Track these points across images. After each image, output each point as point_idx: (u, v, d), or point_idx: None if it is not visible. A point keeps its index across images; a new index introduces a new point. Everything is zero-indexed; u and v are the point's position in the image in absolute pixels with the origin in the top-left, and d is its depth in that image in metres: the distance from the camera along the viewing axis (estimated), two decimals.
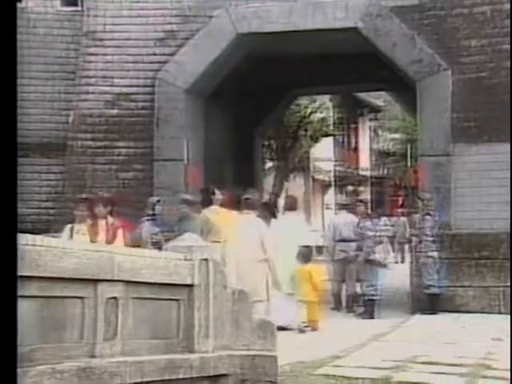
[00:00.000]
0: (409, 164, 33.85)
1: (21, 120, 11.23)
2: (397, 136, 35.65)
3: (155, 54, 11.95)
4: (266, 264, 7.49)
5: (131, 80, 11.97)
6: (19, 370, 3.54)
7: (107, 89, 12.01)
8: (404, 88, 12.97)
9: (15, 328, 2.73)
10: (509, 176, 10.25)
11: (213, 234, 8.11)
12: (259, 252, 7.53)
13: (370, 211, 11.72)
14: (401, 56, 11.37)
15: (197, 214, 8.83)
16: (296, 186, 28.61)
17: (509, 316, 8.82)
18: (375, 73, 13.58)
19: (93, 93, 12.06)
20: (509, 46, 10.64)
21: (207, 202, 8.94)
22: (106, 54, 12.05)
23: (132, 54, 11.97)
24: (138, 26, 11.98)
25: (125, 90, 11.97)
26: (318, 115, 25.20)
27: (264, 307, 7.33)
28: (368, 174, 37.79)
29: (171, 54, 11.88)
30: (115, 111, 11.99)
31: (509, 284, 10.15)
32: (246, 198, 8.17)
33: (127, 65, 11.99)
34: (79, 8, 12.50)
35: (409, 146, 32.99)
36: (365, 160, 37.90)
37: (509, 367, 5.63)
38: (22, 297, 3.71)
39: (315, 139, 26.22)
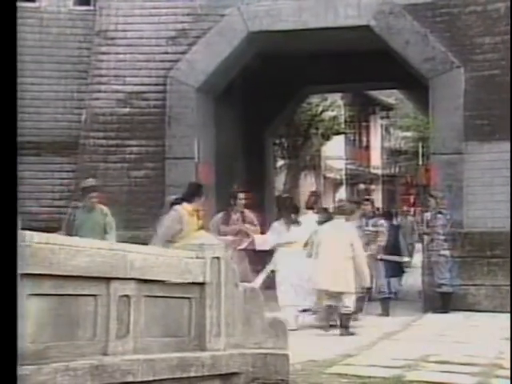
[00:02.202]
0: (420, 162, 33.75)
1: (34, 119, 11.32)
2: (409, 134, 35.53)
3: (167, 53, 11.97)
4: (352, 261, 8.58)
5: (143, 79, 12.00)
6: (33, 368, 3.58)
7: (119, 87, 12.04)
8: (416, 86, 12.93)
9: (15, 328, 2.72)
10: None
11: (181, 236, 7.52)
12: (348, 250, 8.59)
13: (376, 210, 11.76)
14: (413, 54, 11.33)
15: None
16: (307, 184, 28.60)
17: None
18: (387, 71, 13.54)
19: (105, 91, 12.10)
20: None
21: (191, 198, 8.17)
22: (118, 53, 12.08)
23: (144, 52, 12.00)
24: (149, 25, 12.01)
25: (136, 88, 12.01)
26: (330, 113, 25.16)
27: (353, 298, 8.65)
28: (379, 172, 37.72)
29: (183, 53, 11.90)
30: (127, 110, 12.02)
31: None
32: (340, 206, 9.98)
33: (139, 63, 12.01)
34: (92, 7, 12.54)
35: (421, 144, 32.90)
36: (376, 158, 37.83)
37: None
38: (35, 295, 3.75)
39: (326, 137, 26.19)
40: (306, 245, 8.99)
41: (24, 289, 3.64)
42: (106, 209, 9.11)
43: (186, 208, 7.87)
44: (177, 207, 7.95)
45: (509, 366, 5.93)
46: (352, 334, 8.43)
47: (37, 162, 11.86)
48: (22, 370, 3.53)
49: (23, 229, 3.69)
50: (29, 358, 3.66)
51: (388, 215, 14.36)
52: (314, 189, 12.03)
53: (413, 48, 11.29)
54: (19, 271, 3.59)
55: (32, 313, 3.73)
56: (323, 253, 8.54)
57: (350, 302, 8.56)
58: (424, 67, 11.30)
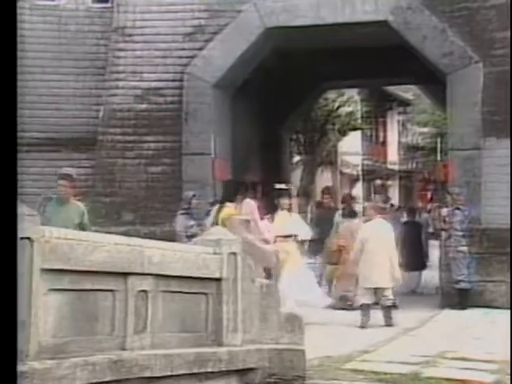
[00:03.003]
0: (438, 158, 33.55)
1: (54, 115, 11.33)
2: (426, 130, 35.34)
3: (184, 49, 11.99)
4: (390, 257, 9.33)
5: (160, 75, 12.03)
6: (53, 362, 3.61)
7: (136, 84, 12.09)
8: (434, 81, 12.87)
9: (15, 327, 2.73)
10: None
11: None
12: (389, 248, 9.30)
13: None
14: (431, 49, 11.27)
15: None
16: (323, 180, 28.55)
17: None
18: (404, 66, 13.48)
19: (122, 88, 12.15)
20: None
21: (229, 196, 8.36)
22: (135, 50, 12.12)
23: (161, 49, 12.02)
24: (166, 22, 12.04)
25: (154, 84, 12.04)
26: (346, 109, 25.10)
27: (391, 292, 9.33)
28: (396, 168, 37.57)
29: (199, 49, 11.91)
30: (144, 106, 12.06)
31: None
32: (382, 206, 10.42)
33: (156, 60, 12.05)
34: (109, 4, 12.61)
35: (438, 140, 32.71)
36: (393, 154, 37.67)
37: None
38: (54, 290, 3.79)
39: (343, 133, 26.14)
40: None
41: (44, 284, 3.68)
42: (83, 207, 7.66)
43: (230, 209, 7.98)
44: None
45: None
46: (393, 324, 9.08)
47: (57, 159, 11.93)
48: (43, 364, 3.58)
49: (43, 224, 3.74)
50: (49, 352, 3.70)
51: (410, 212, 14.44)
52: (328, 185, 11.91)
53: (431, 43, 11.23)
54: (39, 266, 3.64)
55: (52, 307, 3.76)
56: (371, 251, 9.20)
57: (391, 295, 9.27)
58: (442, 62, 11.23)
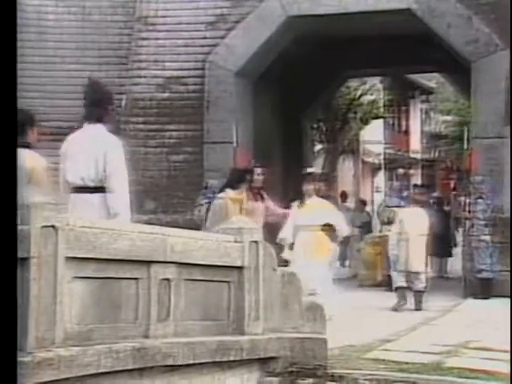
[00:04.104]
0: (461, 146, 33.26)
1: (77, 105, 11.42)
2: (449, 118, 35.01)
3: (206, 38, 12.00)
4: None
5: (182, 64, 12.06)
6: (79, 349, 3.64)
7: (158, 73, 12.12)
8: (458, 69, 12.75)
9: (15, 324, 2.75)
10: None
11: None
12: (423, 235, 9.86)
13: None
14: (456, 36, 11.17)
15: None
16: (345, 168, 28.47)
17: None
18: (428, 54, 13.38)
19: (144, 77, 12.20)
20: None
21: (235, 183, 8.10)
22: (157, 39, 12.16)
23: (183, 37, 12.04)
24: (189, 11, 12.05)
25: (176, 73, 12.07)
26: (368, 97, 24.95)
27: (424, 277, 9.75)
28: (419, 156, 37.33)
29: (221, 38, 11.91)
30: (166, 95, 12.10)
31: None
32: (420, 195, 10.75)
33: (178, 49, 12.07)
34: None
35: (462, 129, 32.41)
36: (415, 142, 37.42)
37: None
38: (79, 278, 3.83)
39: (365, 121, 25.99)
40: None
41: (68, 271, 3.72)
42: None
43: (229, 195, 7.90)
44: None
45: None
46: (422, 309, 9.49)
47: None
48: (69, 351, 3.62)
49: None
50: (74, 339, 3.74)
51: (439, 201, 14.52)
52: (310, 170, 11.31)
53: (455, 30, 11.12)
54: (64, 254, 3.68)
55: (76, 295, 3.80)
56: (407, 236, 9.74)
57: (423, 279, 9.72)
58: (467, 50, 11.13)
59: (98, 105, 5.37)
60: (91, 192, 5.18)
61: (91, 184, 5.20)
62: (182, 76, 12.07)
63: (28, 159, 4.81)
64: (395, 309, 9.43)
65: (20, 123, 5.10)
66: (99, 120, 5.34)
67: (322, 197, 8.96)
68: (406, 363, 5.80)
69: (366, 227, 14.42)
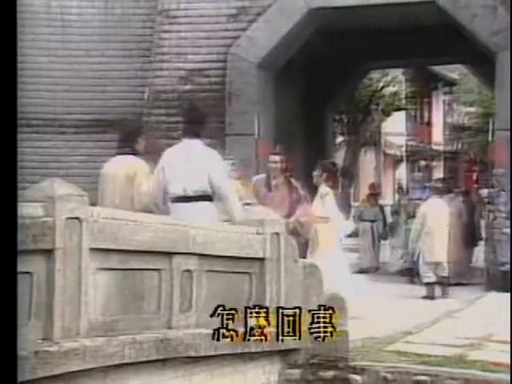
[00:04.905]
0: (484, 138, 32.99)
1: (100, 97, 11.51)
2: (472, 109, 34.72)
3: (227, 30, 12.00)
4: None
5: (204, 56, 12.08)
6: (103, 339, 3.68)
7: (181, 65, 12.16)
8: (482, 60, 12.63)
9: (15, 312, 2.76)
10: None
11: None
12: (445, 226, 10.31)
13: None
14: (480, 27, 11.06)
15: None
16: (367, 160, 28.39)
17: None
18: (452, 45, 13.27)
19: (167, 69, 12.24)
20: None
21: None
22: (179, 31, 12.19)
23: (205, 30, 12.06)
24: (210, 3, 12.06)
25: (198, 65, 12.09)
26: (390, 89, 24.85)
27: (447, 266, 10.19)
28: (441, 148, 37.09)
29: (243, 30, 11.91)
30: (188, 87, 12.13)
31: None
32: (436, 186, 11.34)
33: (200, 41, 12.09)
34: None
35: (485, 120, 32.14)
36: (438, 134, 37.18)
37: None
38: (103, 269, 3.86)
39: (387, 113, 25.89)
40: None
41: (93, 263, 3.76)
42: None
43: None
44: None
45: None
46: (449, 296, 9.98)
47: (103, 140, 12.11)
48: (94, 342, 3.66)
49: (92, 204, 3.81)
50: (99, 330, 3.78)
51: (466, 192, 14.46)
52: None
53: (480, 21, 11.01)
54: (88, 246, 3.71)
55: (100, 286, 3.84)
56: (430, 228, 10.12)
57: (447, 268, 10.17)
58: (491, 41, 11.02)
59: (197, 122, 5.96)
60: (192, 201, 5.65)
61: (192, 194, 5.67)
62: (203, 68, 12.09)
63: (131, 165, 5.95)
64: (428, 297, 9.91)
65: (129, 132, 6.39)
66: (197, 136, 5.89)
67: (332, 187, 8.31)
68: (429, 356, 5.77)
69: (379, 221, 14.02)
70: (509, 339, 6.41)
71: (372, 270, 13.12)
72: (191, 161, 5.73)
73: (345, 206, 10.05)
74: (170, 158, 5.92)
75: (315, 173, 8.44)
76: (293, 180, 7.97)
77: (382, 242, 13.98)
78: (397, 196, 15.77)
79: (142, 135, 6.33)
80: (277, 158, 7.90)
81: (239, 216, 5.52)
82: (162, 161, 5.93)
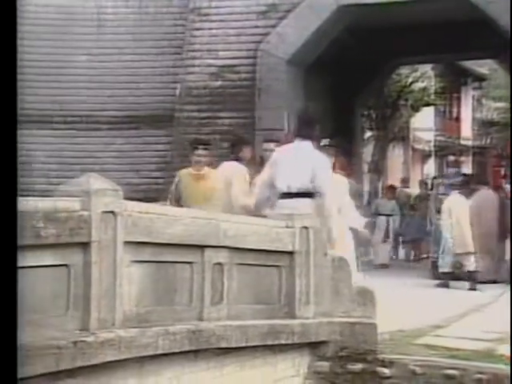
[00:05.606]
0: None
1: (133, 94, 11.63)
2: (501, 105, 34.34)
3: (257, 27, 12.08)
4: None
5: (234, 52, 12.17)
6: (138, 330, 3.75)
7: (211, 61, 12.26)
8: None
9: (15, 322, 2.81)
10: None
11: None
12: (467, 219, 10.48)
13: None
14: (510, 22, 10.97)
15: None
16: (395, 155, 28.24)
17: None
18: (482, 40, 13.18)
19: (198, 66, 12.36)
20: None
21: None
22: (210, 29, 12.30)
23: (235, 27, 12.16)
24: (240, 1, 12.17)
25: (228, 62, 12.19)
26: (419, 84, 24.66)
27: (475, 258, 10.39)
28: (470, 143, 36.73)
29: (273, 26, 11.97)
30: (219, 83, 12.23)
31: None
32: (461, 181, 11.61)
33: (230, 38, 12.19)
34: None
35: None
36: (467, 129, 36.82)
37: None
38: (136, 261, 3.95)
39: (416, 109, 25.70)
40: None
41: (127, 256, 3.85)
42: None
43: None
44: None
45: None
46: (476, 289, 10.05)
47: (136, 136, 12.29)
48: (128, 333, 3.74)
49: (126, 199, 3.90)
50: (133, 321, 3.87)
51: (494, 188, 14.35)
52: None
53: (510, 16, 10.92)
54: (122, 239, 3.80)
55: (134, 278, 3.92)
56: (455, 220, 10.44)
57: (474, 260, 10.36)
58: None
59: (309, 127, 6.39)
60: (294, 197, 6.02)
61: (295, 191, 6.06)
62: (234, 64, 12.18)
63: (230, 168, 6.98)
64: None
65: (234, 143, 7.40)
66: (308, 138, 6.25)
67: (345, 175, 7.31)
68: (457, 350, 5.75)
69: (395, 215, 13.88)
70: None
71: (385, 265, 13.11)
72: (298, 160, 6.08)
73: (357, 196, 9.62)
74: (280, 155, 6.31)
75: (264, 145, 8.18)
76: None
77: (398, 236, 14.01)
78: (418, 191, 15.65)
79: (245, 145, 7.23)
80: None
81: (334, 215, 6.01)
82: (273, 156, 6.39)
